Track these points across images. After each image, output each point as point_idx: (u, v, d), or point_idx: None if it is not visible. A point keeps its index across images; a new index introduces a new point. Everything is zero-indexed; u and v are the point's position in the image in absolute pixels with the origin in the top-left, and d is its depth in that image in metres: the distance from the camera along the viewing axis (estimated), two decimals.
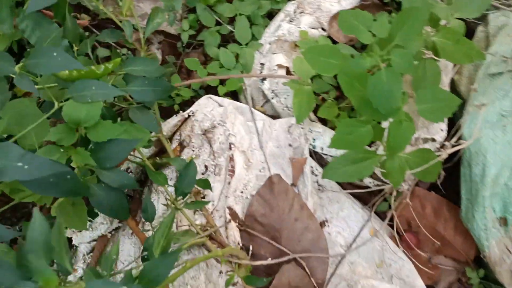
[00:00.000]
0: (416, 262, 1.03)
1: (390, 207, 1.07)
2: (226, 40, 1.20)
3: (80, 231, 0.90)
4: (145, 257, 0.72)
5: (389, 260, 0.96)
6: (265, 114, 1.03)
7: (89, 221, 0.83)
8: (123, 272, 0.73)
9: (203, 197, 0.92)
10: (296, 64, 0.97)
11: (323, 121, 1.06)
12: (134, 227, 0.88)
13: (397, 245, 1.00)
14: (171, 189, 0.85)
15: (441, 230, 1.11)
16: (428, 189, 1.13)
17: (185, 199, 0.83)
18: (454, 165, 1.05)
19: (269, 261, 0.87)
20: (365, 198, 1.06)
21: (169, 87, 0.81)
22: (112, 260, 0.70)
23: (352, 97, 0.84)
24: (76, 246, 0.92)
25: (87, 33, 1.15)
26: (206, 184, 0.85)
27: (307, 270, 0.90)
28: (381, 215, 1.09)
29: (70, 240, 0.94)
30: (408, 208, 1.08)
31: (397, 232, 1.07)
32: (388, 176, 0.84)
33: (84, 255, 0.92)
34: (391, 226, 1.06)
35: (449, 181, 1.09)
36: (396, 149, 0.81)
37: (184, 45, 1.21)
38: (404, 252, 1.01)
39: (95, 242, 0.93)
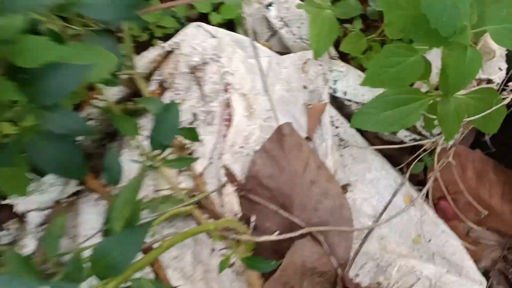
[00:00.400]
0: None
1: (425, 168, 0.87)
2: None
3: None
4: (107, 230, 0.51)
5: (428, 235, 0.76)
6: (270, 50, 0.80)
7: (31, 180, 0.61)
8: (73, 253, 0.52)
9: (191, 154, 0.71)
10: None
11: (345, 60, 0.83)
12: (98, 187, 0.66)
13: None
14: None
15: (486, 197, 0.90)
16: (470, 146, 0.92)
17: (165, 155, 0.61)
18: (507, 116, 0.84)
19: (277, 236, 0.66)
20: (395, 157, 0.84)
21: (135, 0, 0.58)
22: (56, 237, 0.49)
23: (394, 19, 0.62)
24: (24, 216, 0.71)
25: None
26: (192, 135, 0.63)
27: (326, 247, 0.69)
28: (411, 179, 0.88)
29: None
30: (446, 171, 0.87)
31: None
32: (441, 125, 0.63)
33: (35, 227, 0.71)
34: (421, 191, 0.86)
35: (499, 136, 0.88)
36: (456, 87, 0.59)
37: None
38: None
39: (49, 211, 0.72)
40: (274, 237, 0.66)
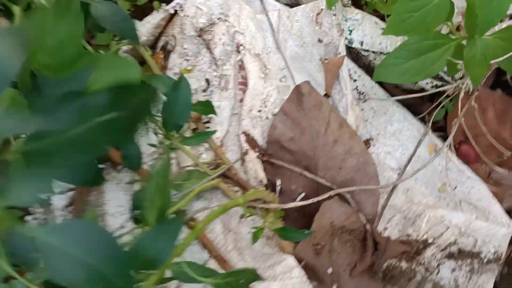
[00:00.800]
0: None
1: (446, 114, 0.84)
2: None
3: None
4: (137, 217, 0.50)
5: (454, 182, 0.75)
6: (279, 2, 0.75)
7: None
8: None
9: (207, 123, 0.68)
10: None
11: (358, 6, 0.78)
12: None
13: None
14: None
15: (508, 138, 0.89)
16: (490, 86, 0.89)
17: (181, 132, 0.58)
18: None
19: (304, 200, 0.66)
20: (415, 105, 0.82)
21: None
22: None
23: None
24: (49, 199, 0.70)
25: None
26: (207, 108, 0.60)
27: (353, 205, 0.69)
28: (431, 126, 0.86)
29: None
30: (466, 114, 0.85)
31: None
32: (466, 70, 0.59)
33: (61, 209, 0.70)
34: (442, 137, 0.84)
35: None
36: (484, 27, 0.56)
37: None
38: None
39: (73, 192, 0.71)
40: (301, 202, 0.65)
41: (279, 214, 0.63)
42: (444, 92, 0.77)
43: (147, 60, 0.67)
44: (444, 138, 0.84)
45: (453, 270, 0.72)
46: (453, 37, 0.61)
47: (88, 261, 0.27)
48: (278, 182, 0.68)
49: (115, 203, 0.69)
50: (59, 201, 0.70)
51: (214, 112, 0.61)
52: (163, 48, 0.73)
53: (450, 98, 0.77)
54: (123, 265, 0.29)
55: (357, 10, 0.73)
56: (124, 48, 0.67)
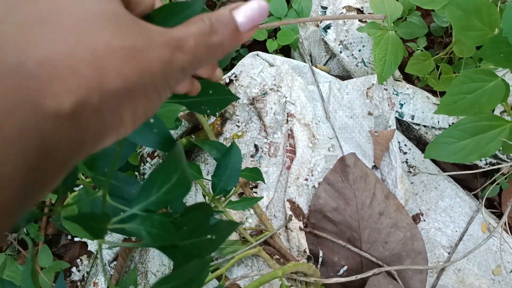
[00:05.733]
0: None
1: (501, 191, 0.81)
2: None
3: None
4: None
5: (509, 265, 0.70)
6: (329, 74, 0.78)
7: None
8: None
9: (254, 187, 0.70)
10: (375, 2, 0.71)
11: (410, 80, 0.79)
12: None
13: None
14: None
15: None
16: None
17: (228, 196, 0.60)
18: None
19: (347, 277, 0.64)
20: (467, 180, 0.79)
21: None
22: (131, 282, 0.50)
23: (466, 39, 0.58)
24: (96, 253, 0.73)
25: None
26: (256, 175, 0.62)
27: (400, 282, 0.66)
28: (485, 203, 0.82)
29: (85, 245, 0.75)
30: None
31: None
32: None
33: (106, 264, 0.73)
34: (497, 216, 0.80)
35: None
36: None
37: None
38: None
39: (119, 248, 0.73)
40: (344, 278, 0.63)
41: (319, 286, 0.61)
42: (499, 168, 0.74)
43: (204, 126, 0.70)
44: (499, 216, 0.79)
45: None
46: (508, 118, 0.60)
47: None
48: (321, 253, 0.67)
49: (157, 261, 0.70)
50: (105, 255, 0.72)
51: (262, 180, 0.62)
52: (221, 116, 0.76)
53: (505, 176, 0.74)
54: None
55: (408, 85, 0.74)
56: (181, 113, 0.71)
